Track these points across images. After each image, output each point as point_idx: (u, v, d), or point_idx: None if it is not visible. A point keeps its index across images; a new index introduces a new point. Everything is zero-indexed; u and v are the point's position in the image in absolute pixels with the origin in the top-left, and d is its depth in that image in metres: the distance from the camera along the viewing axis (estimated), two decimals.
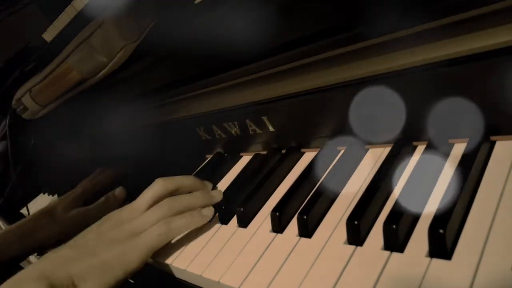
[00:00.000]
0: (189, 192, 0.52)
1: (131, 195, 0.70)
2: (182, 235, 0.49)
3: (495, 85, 0.34)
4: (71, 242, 0.47)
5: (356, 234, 0.35)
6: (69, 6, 0.59)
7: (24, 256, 0.67)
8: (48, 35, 0.66)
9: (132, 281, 0.50)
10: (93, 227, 0.49)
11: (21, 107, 0.74)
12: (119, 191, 0.71)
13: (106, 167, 0.82)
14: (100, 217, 0.50)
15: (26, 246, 0.66)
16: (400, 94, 0.40)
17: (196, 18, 0.52)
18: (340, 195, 0.42)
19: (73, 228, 0.64)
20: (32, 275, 0.41)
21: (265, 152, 0.58)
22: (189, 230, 0.48)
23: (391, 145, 0.43)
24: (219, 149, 0.66)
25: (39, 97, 0.71)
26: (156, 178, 0.70)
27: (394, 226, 0.32)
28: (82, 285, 0.42)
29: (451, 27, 0.34)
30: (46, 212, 0.69)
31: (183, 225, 0.47)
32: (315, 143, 0.51)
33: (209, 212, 0.49)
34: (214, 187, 0.57)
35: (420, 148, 0.42)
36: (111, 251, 0.44)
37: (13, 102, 0.76)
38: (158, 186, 0.50)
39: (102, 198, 0.70)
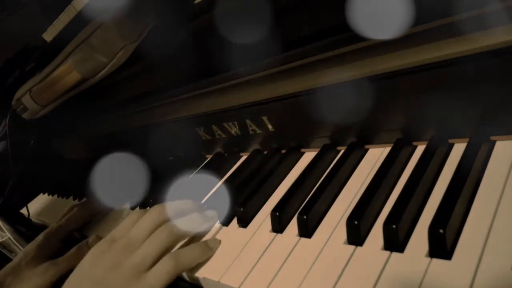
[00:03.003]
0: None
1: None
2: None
3: (495, 85, 0.34)
4: None
5: (356, 234, 0.35)
6: (69, 6, 0.59)
7: None
8: (48, 35, 0.66)
9: None
10: (84, 270, 0.42)
11: (21, 107, 0.74)
12: (93, 239, 0.61)
13: (79, 204, 0.74)
14: (72, 270, 0.42)
15: None
16: (399, 94, 0.40)
17: (196, 18, 0.52)
18: (340, 195, 0.42)
19: (44, 284, 0.56)
20: None
21: (263, 149, 0.58)
22: (198, 263, 0.43)
23: (391, 145, 0.44)
24: (219, 149, 0.66)
25: (39, 97, 0.71)
26: (158, 178, 0.70)
27: (394, 226, 0.32)
28: None
29: (451, 27, 0.34)
30: (11, 271, 0.59)
31: (192, 258, 0.42)
32: (315, 143, 0.51)
33: (216, 244, 0.44)
34: (214, 188, 0.57)
35: (420, 148, 0.42)
36: None
37: (13, 102, 0.76)
38: (155, 213, 0.45)
39: (74, 249, 0.60)
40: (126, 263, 0.40)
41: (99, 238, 0.61)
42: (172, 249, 0.44)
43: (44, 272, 0.57)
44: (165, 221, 0.45)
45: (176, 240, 0.44)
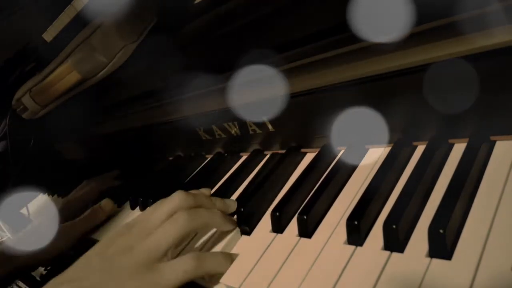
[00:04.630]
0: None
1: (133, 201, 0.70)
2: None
3: (494, 85, 0.34)
4: (71, 273, 0.38)
5: (356, 234, 0.35)
6: (69, 6, 0.59)
7: (10, 279, 0.62)
8: (48, 35, 0.66)
9: None
10: (98, 249, 0.40)
11: (21, 107, 0.74)
12: (105, 202, 0.67)
13: (92, 179, 0.81)
14: (87, 232, 0.43)
15: (12, 268, 0.61)
16: (398, 94, 0.40)
17: (196, 17, 0.52)
18: (340, 195, 0.42)
19: (60, 245, 0.61)
20: None
21: (263, 149, 0.58)
22: (217, 272, 0.40)
23: (391, 145, 0.44)
24: (219, 149, 0.66)
25: (39, 97, 0.71)
26: (158, 178, 0.70)
27: (394, 226, 0.32)
28: None
29: (451, 27, 0.34)
30: None
31: (215, 266, 0.39)
32: (315, 143, 0.51)
33: (234, 258, 0.41)
34: (214, 188, 0.57)
35: (420, 148, 0.42)
36: None
37: (13, 102, 0.76)
38: (179, 199, 0.41)
39: (88, 211, 0.66)
40: (138, 248, 0.38)
41: (110, 201, 0.67)
42: (188, 238, 0.41)
43: (60, 232, 0.62)
44: (187, 208, 0.42)
45: (194, 229, 0.41)
